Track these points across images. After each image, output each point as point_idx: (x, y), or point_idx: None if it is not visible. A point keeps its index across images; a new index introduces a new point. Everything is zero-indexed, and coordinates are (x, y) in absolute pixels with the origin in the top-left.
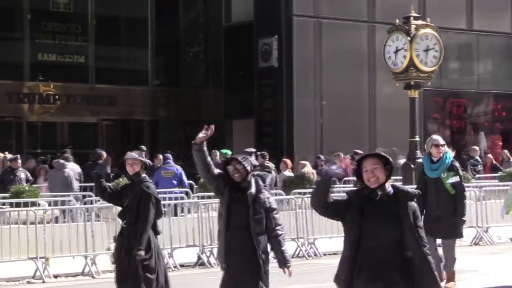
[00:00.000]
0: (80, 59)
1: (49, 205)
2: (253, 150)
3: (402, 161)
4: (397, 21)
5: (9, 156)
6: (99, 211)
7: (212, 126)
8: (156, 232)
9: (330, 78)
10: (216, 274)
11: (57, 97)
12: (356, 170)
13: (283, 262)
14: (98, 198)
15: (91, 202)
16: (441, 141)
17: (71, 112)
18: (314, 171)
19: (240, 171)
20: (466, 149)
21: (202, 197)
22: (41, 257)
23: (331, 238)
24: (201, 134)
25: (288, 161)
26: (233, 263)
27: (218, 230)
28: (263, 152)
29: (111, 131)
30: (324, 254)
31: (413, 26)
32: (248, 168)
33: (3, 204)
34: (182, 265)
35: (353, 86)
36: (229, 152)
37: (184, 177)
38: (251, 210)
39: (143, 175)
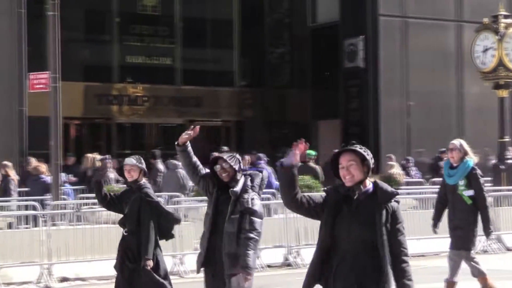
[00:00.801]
0: (167, 61)
1: None
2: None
3: (492, 162)
4: (485, 20)
5: (98, 157)
6: (187, 211)
7: (197, 127)
8: (167, 237)
9: (417, 78)
10: (302, 275)
11: (145, 98)
12: (332, 166)
13: (242, 266)
14: (185, 198)
15: (179, 203)
16: (458, 145)
17: (158, 114)
18: (402, 172)
19: (227, 170)
20: None
21: None
22: None
23: None
24: (184, 135)
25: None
26: (212, 266)
27: (203, 231)
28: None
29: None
30: (413, 256)
31: (502, 25)
32: (236, 167)
33: (94, 204)
34: (269, 266)
35: (441, 85)
36: (313, 153)
37: (273, 178)
38: (229, 208)
39: (142, 181)
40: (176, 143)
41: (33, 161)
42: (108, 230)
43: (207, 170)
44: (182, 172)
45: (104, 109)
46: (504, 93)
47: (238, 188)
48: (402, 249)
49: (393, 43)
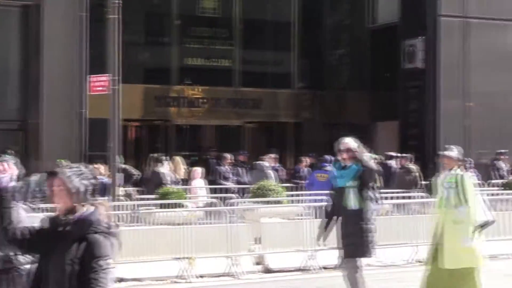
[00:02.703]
0: (226, 63)
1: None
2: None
3: None
4: None
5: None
6: (243, 212)
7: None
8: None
9: (477, 79)
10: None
11: (203, 100)
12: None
13: None
14: (242, 200)
15: (235, 204)
16: (351, 145)
17: (216, 115)
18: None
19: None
20: None
21: None
22: (184, 257)
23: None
24: None
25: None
26: None
27: None
28: (406, 154)
29: (255, 133)
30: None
31: None
32: (75, 188)
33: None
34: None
35: (502, 87)
36: (375, 156)
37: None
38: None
39: None
40: None
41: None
42: (164, 231)
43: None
44: (270, 172)
45: (162, 111)
46: None
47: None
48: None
49: (453, 43)
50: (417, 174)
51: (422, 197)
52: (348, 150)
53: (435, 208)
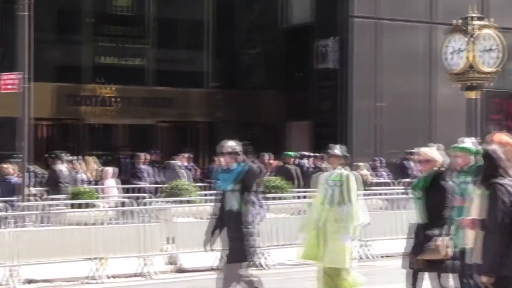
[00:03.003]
0: (139, 62)
1: (109, 206)
2: (297, 154)
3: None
4: (455, 21)
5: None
6: (156, 212)
7: None
8: None
9: (388, 79)
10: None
11: (115, 99)
12: None
13: None
14: (155, 199)
15: (147, 204)
16: (233, 148)
17: (129, 114)
18: (370, 173)
19: None
20: None
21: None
22: (97, 258)
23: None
24: None
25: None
26: None
27: None
28: (318, 154)
29: (168, 133)
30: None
31: (473, 27)
32: None
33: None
34: None
35: (412, 87)
36: (292, 154)
37: None
38: None
39: None
40: None
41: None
42: (75, 231)
43: None
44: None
45: (74, 110)
46: (473, 94)
47: None
48: None
49: (365, 44)
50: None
51: None
52: (230, 153)
53: (316, 205)
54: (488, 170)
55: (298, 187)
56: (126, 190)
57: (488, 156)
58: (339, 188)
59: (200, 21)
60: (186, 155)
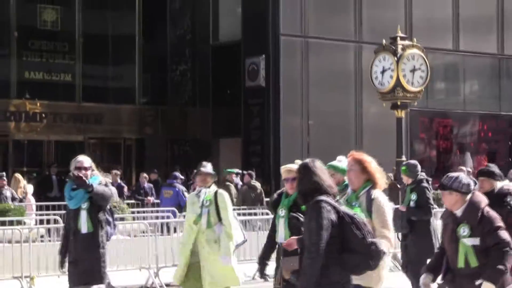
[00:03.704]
0: (67, 77)
1: (35, 223)
2: (239, 171)
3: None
4: (384, 41)
5: None
6: None
7: None
8: None
9: (317, 97)
10: None
11: (43, 115)
12: None
13: None
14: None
15: None
16: (86, 164)
17: (57, 131)
18: None
19: None
20: (452, 169)
21: None
22: (26, 276)
23: None
24: None
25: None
26: None
27: None
28: (250, 171)
29: (97, 149)
30: None
31: (400, 47)
32: None
33: None
34: (167, 285)
35: (340, 105)
36: (234, 171)
37: (183, 197)
38: None
39: None
40: None
41: None
42: (3, 249)
43: None
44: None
45: (1, 125)
46: (401, 113)
47: None
48: None
49: (294, 62)
50: (261, 190)
51: (267, 213)
52: (85, 168)
53: (188, 225)
54: (308, 185)
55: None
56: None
57: (307, 171)
58: (211, 207)
59: (129, 36)
60: (114, 171)
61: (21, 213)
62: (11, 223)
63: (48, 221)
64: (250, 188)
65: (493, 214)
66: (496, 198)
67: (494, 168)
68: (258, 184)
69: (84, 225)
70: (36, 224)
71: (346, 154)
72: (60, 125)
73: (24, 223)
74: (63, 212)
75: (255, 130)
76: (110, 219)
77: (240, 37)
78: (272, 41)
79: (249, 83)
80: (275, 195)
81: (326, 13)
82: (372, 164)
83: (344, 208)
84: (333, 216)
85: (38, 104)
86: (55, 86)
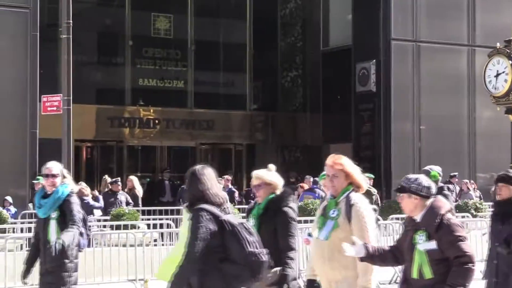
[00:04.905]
0: (180, 84)
1: (148, 227)
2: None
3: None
4: (498, 44)
5: (109, 179)
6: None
7: None
8: None
9: (428, 102)
10: None
11: (156, 121)
12: None
13: None
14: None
15: None
16: (55, 170)
17: (170, 136)
18: None
19: None
20: None
21: None
22: (140, 279)
23: None
24: None
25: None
26: None
27: None
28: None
29: (209, 155)
30: None
31: None
32: None
33: (104, 226)
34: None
35: (453, 110)
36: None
37: None
38: None
39: None
40: None
41: None
42: (118, 252)
43: None
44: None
45: (115, 131)
46: None
47: None
48: None
49: (405, 67)
50: (376, 196)
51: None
52: (53, 175)
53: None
54: (193, 193)
55: None
56: (171, 212)
57: (194, 178)
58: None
59: (240, 44)
60: (226, 177)
61: (135, 217)
62: (125, 227)
63: (161, 226)
64: (367, 193)
65: (455, 221)
66: None
67: None
68: (373, 190)
69: (53, 236)
70: (149, 228)
71: (459, 159)
72: (172, 131)
73: (138, 227)
74: (175, 216)
75: (365, 135)
76: (83, 230)
77: (351, 43)
78: (383, 46)
79: (359, 89)
80: (252, 203)
81: (438, 17)
82: (354, 167)
83: (228, 217)
84: (212, 226)
85: (151, 110)
86: (167, 93)
